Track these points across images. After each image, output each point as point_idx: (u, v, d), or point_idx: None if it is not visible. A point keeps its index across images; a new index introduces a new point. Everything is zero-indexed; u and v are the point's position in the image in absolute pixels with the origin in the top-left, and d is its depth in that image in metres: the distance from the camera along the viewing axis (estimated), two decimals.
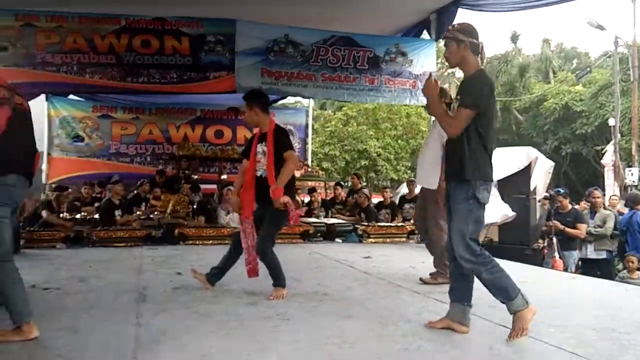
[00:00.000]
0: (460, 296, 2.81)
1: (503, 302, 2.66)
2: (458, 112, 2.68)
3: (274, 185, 3.46)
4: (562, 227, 6.79)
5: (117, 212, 7.04)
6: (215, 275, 3.80)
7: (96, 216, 7.37)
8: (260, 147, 3.63)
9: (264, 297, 3.57)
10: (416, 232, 7.08)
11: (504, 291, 2.64)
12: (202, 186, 9.27)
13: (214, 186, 9.77)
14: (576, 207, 7.35)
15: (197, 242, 6.54)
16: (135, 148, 11.27)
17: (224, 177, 9.97)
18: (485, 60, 2.90)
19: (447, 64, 22.19)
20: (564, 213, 6.88)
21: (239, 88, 7.22)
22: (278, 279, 3.61)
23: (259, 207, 3.67)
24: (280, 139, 3.60)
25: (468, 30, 2.81)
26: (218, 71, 7.25)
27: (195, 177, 9.68)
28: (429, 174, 4.10)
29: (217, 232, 6.71)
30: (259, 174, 3.62)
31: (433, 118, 2.91)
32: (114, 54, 6.95)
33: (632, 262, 5.88)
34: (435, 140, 4.05)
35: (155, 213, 7.64)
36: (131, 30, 6.99)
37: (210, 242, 6.57)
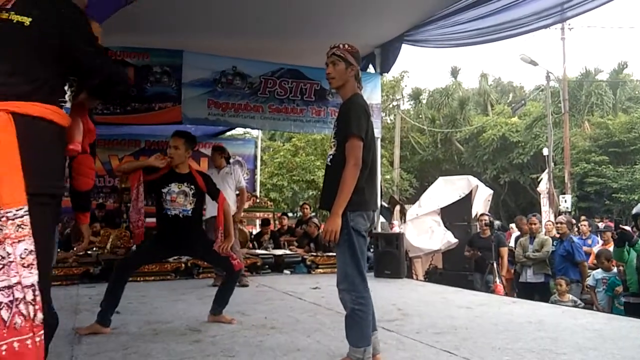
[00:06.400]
0: None
1: (350, 344, 2.58)
2: (349, 144, 2.53)
3: None
4: (479, 253, 7.15)
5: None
6: None
7: None
8: None
9: (208, 333, 3.45)
10: None
11: (356, 335, 2.56)
12: (147, 220, 8.95)
13: None
14: (498, 232, 7.69)
15: (139, 279, 6.22)
16: None
17: None
18: (363, 88, 2.80)
19: (391, 96, 22.57)
20: (485, 238, 7.16)
21: (184, 119, 7.11)
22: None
23: None
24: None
25: (358, 56, 2.74)
26: (164, 102, 7.12)
27: None
28: None
29: (159, 267, 6.44)
30: None
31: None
32: None
33: (561, 285, 6.12)
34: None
35: (94, 249, 7.29)
36: None
37: (153, 278, 6.32)
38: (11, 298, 1.36)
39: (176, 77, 7.07)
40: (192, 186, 3.77)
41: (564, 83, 18.46)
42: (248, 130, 13.76)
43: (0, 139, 1.40)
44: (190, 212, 3.73)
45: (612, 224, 10.08)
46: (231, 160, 7.02)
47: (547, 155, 17.28)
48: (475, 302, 4.90)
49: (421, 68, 57.72)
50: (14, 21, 1.51)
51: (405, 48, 7.66)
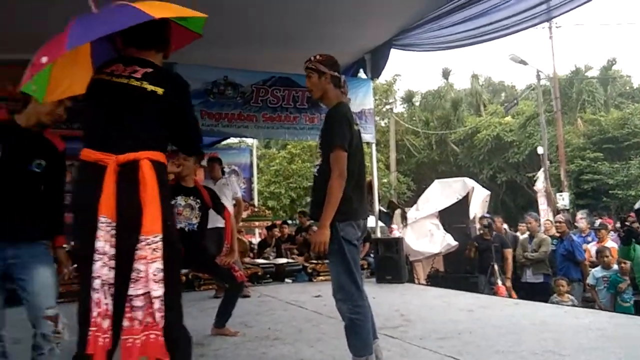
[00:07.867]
0: None
1: (352, 354, 2.57)
2: (333, 155, 2.52)
3: None
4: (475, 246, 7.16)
5: None
6: None
7: None
8: None
9: (211, 347, 3.43)
10: (365, 266, 7.16)
11: (357, 344, 2.55)
12: None
13: None
14: (499, 234, 7.66)
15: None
16: None
17: None
18: (348, 94, 2.81)
19: (384, 100, 22.65)
20: (487, 240, 7.14)
21: None
22: None
23: None
24: None
25: (330, 63, 2.76)
26: None
27: None
28: None
29: None
30: None
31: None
32: None
33: (562, 286, 6.09)
34: None
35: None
36: None
37: None
38: (142, 304, 1.73)
39: None
40: (198, 200, 3.79)
41: (554, 81, 18.56)
42: (243, 138, 13.76)
43: (147, 179, 1.78)
44: (195, 225, 3.74)
45: (609, 222, 10.08)
46: (227, 170, 7.01)
47: (542, 154, 17.34)
48: (477, 304, 4.89)
49: (413, 71, 58.05)
50: (148, 90, 1.88)
51: (395, 52, 7.69)
